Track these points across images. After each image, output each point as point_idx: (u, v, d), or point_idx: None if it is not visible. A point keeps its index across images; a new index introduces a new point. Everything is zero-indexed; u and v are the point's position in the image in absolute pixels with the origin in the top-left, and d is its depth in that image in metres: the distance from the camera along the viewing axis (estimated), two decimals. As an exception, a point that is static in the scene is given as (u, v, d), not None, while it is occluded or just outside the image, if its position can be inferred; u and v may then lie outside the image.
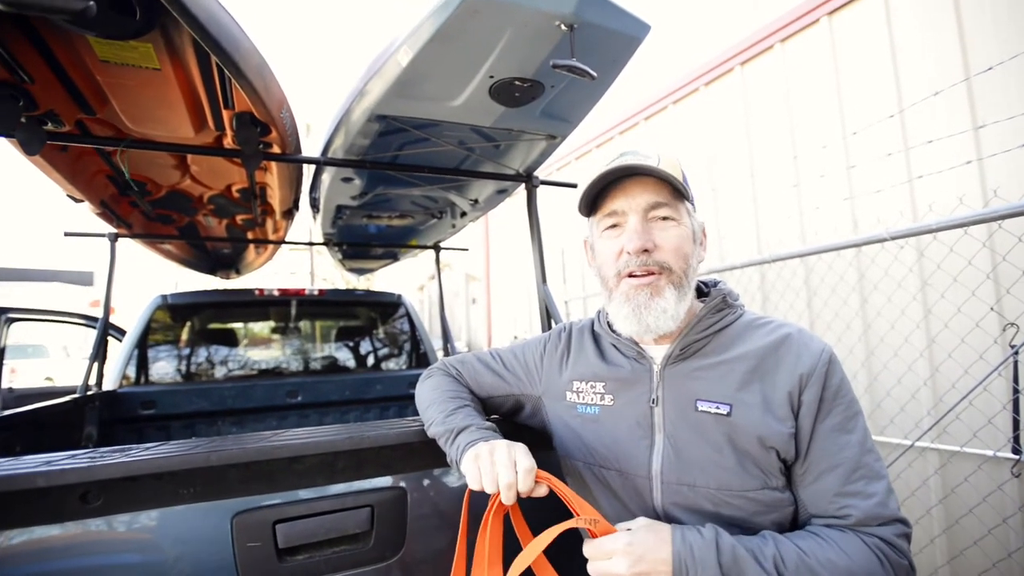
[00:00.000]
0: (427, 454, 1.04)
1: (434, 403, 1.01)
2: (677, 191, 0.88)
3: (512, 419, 1.14)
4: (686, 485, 0.83)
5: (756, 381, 0.83)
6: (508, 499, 0.75)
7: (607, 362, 0.98)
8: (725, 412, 0.82)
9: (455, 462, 0.87)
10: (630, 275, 0.87)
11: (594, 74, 1.14)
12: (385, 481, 1.06)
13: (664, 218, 0.88)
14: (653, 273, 0.86)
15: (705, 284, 0.99)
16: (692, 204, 0.93)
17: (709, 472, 0.81)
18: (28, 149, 1.38)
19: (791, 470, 0.83)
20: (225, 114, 1.54)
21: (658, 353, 0.92)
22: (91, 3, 0.77)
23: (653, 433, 0.88)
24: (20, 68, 1.23)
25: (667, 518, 0.84)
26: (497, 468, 0.76)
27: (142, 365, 2.79)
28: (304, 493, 0.99)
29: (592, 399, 0.96)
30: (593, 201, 0.94)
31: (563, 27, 1.11)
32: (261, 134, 1.58)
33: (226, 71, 1.18)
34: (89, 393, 2.35)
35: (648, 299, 0.85)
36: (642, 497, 0.87)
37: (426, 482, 1.09)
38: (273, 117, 1.46)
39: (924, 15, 2.47)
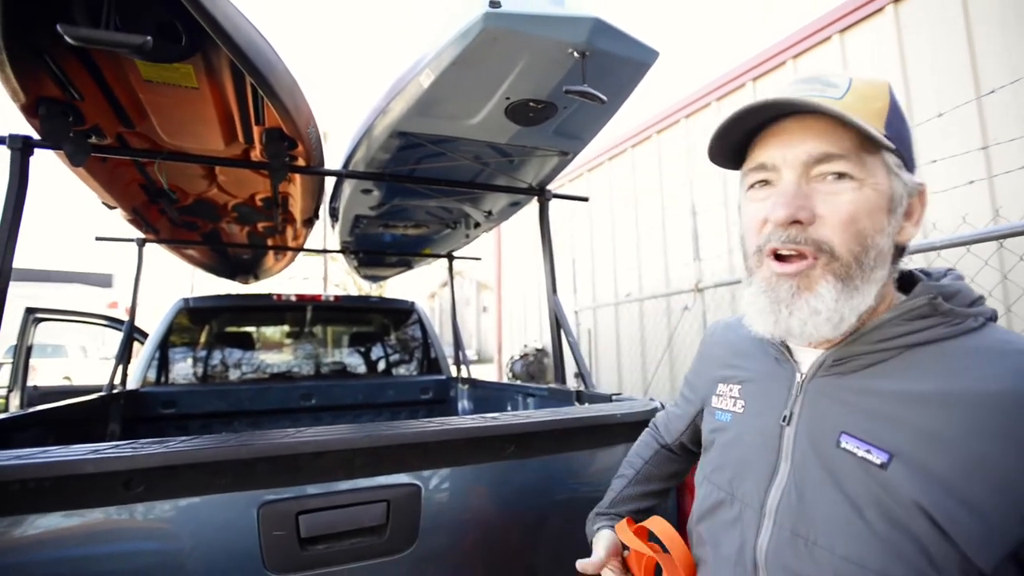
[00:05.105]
0: (441, 453, 1.11)
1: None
2: (868, 137, 0.57)
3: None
4: (802, 538, 0.59)
5: (961, 439, 0.52)
6: None
7: (747, 358, 0.78)
8: (878, 462, 0.55)
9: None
10: (775, 255, 0.62)
11: (604, 99, 1.21)
12: (401, 478, 1.12)
13: (839, 175, 0.59)
14: (805, 256, 0.59)
15: (926, 273, 0.66)
16: (902, 156, 0.61)
17: (837, 533, 0.56)
18: (74, 160, 1.48)
19: None
20: (255, 129, 1.63)
21: (809, 357, 0.67)
22: (148, 39, 0.85)
23: (778, 459, 0.65)
24: (72, 87, 1.33)
25: (767, 571, 0.62)
26: None
27: (163, 366, 2.88)
28: (326, 487, 1.05)
29: (727, 404, 0.78)
30: (743, 147, 0.67)
31: (576, 54, 1.18)
32: (288, 148, 1.67)
33: (260, 91, 1.27)
34: (115, 392, 2.45)
35: (793, 295, 0.60)
36: (743, 533, 0.65)
37: (440, 480, 1.15)
38: (301, 133, 1.54)
39: (935, 36, 2.51)
